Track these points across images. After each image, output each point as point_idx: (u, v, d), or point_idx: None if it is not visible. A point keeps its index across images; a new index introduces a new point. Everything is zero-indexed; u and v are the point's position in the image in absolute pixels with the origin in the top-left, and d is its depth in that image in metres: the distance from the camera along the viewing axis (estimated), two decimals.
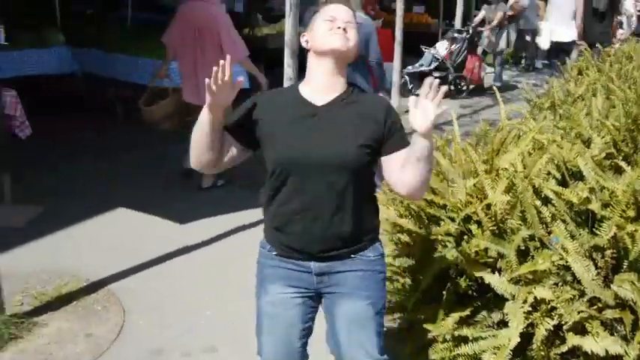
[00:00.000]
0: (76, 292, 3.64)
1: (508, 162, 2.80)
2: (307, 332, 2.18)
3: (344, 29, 2.02)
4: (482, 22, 9.97)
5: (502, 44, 9.91)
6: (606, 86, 3.92)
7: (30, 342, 3.17)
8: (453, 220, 2.76)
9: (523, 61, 12.72)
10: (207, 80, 1.88)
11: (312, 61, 2.08)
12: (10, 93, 4.85)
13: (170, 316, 3.47)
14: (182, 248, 4.24)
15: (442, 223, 2.78)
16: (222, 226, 4.62)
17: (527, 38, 12.00)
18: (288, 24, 4.83)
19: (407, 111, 1.93)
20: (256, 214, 4.61)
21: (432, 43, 9.86)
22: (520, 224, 2.59)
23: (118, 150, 6.40)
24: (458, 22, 10.00)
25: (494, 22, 9.68)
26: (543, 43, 10.06)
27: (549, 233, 2.55)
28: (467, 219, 2.73)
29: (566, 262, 2.42)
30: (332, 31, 2.02)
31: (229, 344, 3.23)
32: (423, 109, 1.85)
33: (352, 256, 2.09)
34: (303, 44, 2.11)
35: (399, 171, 2.00)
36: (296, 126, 2.02)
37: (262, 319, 2.16)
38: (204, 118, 1.96)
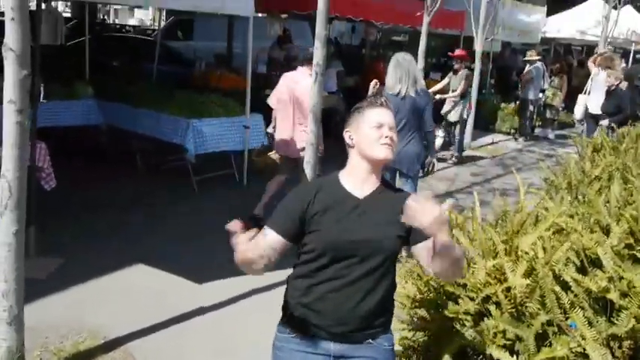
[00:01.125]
0: (94, 349, 3.69)
1: (528, 245, 2.87)
2: None
3: (391, 138, 2.16)
4: (442, 90, 9.67)
5: (464, 114, 9.67)
6: (622, 172, 4.01)
7: None
8: (472, 299, 2.81)
9: (537, 131, 12.94)
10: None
11: (355, 157, 2.22)
12: (40, 145, 4.98)
13: None
14: (198, 309, 4.29)
15: (461, 301, 2.84)
16: (238, 286, 4.64)
17: (531, 108, 12.21)
18: (313, 91, 4.99)
19: None
20: (269, 277, 4.70)
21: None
22: (539, 308, 2.63)
23: (138, 202, 6.52)
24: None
25: (458, 91, 9.43)
26: (578, 113, 10.52)
27: (567, 319, 2.59)
28: (486, 299, 2.78)
29: (584, 349, 2.46)
30: (381, 139, 2.15)
31: None
32: (422, 209, 1.90)
33: (370, 341, 2.20)
34: (347, 140, 2.25)
35: (431, 261, 2.10)
36: (342, 215, 2.15)
37: None
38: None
